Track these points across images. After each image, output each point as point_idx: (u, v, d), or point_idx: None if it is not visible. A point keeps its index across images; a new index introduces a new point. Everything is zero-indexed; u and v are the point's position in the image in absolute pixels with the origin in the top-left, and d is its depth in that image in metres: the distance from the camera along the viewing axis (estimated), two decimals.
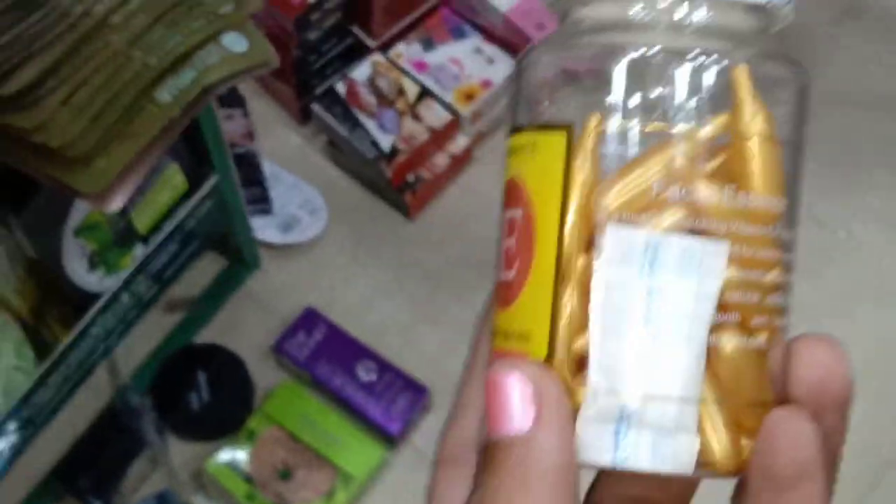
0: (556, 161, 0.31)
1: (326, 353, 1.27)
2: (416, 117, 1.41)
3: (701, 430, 0.30)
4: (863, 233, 1.46)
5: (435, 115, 1.41)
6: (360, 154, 1.39)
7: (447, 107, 1.41)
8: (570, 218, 0.30)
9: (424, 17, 1.47)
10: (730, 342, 0.30)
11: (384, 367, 1.27)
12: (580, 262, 0.30)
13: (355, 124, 1.40)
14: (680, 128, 0.30)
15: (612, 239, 0.30)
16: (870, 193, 1.49)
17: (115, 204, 0.79)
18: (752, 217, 0.30)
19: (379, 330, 1.34)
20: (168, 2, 0.83)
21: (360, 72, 1.42)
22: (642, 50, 0.30)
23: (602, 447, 0.29)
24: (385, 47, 1.45)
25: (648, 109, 0.30)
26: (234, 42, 0.86)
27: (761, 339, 0.30)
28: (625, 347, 0.30)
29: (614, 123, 0.30)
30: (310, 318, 1.31)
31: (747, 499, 0.30)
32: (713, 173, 0.30)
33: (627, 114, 0.30)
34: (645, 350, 0.29)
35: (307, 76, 1.43)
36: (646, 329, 0.29)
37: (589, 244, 0.30)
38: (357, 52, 1.45)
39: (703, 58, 0.30)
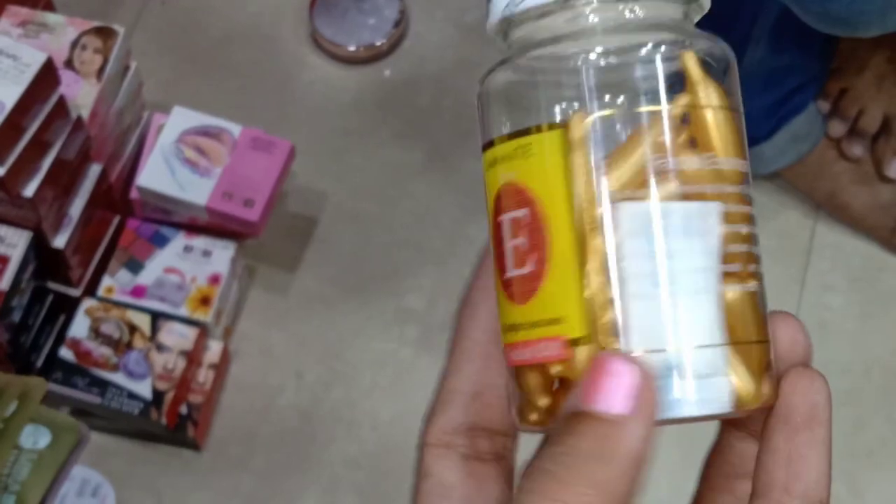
0: (555, 156, 0.34)
1: None
2: (161, 347, 1.27)
3: (732, 371, 0.33)
4: None
5: (179, 337, 1.27)
6: (124, 414, 1.24)
7: (188, 321, 1.28)
8: (579, 204, 0.33)
9: (115, 239, 1.32)
10: (733, 289, 0.34)
11: None
12: (596, 242, 0.33)
13: (103, 386, 1.24)
14: (651, 110, 0.34)
15: (624, 214, 0.33)
16: None
17: None
18: (727, 178, 0.34)
19: None
20: None
21: (79, 326, 1.27)
22: (596, 51, 0.34)
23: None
24: (91, 289, 1.30)
25: (615, 101, 0.34)
26: (35, 437, 0.72)
27: (753, 284, 0.35)
28: (654, 309, 0.33)
29: (592, 117, 0.33)
30: None
31: (763, 441, 0.34)
32: (690, 145, 0.34)
33: (602, 106, 0.34)
34: (672, 307, 0.33)
35: (23, 356, 1.26)
36: (669, 289, 0.33)
37: (597, 226, 0.33)
38: (63, 307, 1.29)
39: (653, 49, 0.34)
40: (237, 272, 1.35)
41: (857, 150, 1.40)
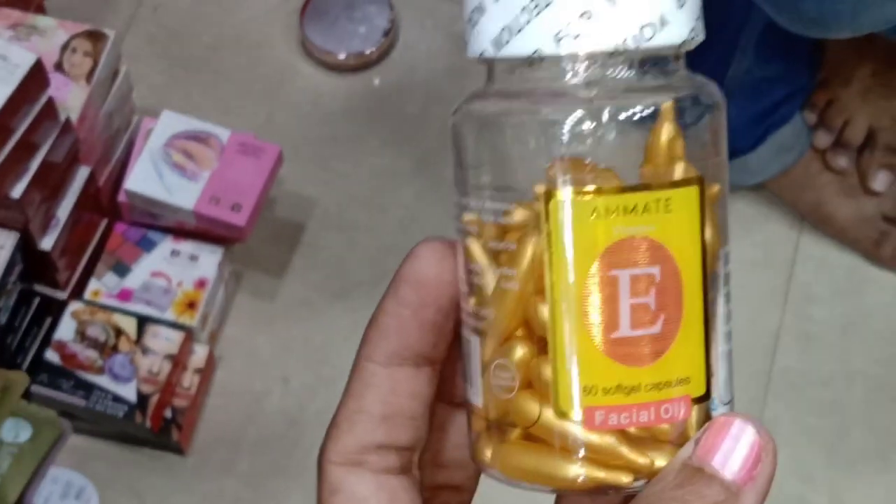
0: (694, 214, 0.33)
1: None
2: (147, 351, 1.27)
3: None
4: None
5: (165, 341, 1.28)
6: (109, 417, 1.24)
7: (173, 325, 1.28)
8: (712, 263, 0.34)
9: (103, 242, 1.32)
10: None
11: None
12: (720, 303, 0.35)
13: (88, 388, 1.24)
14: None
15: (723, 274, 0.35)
16: None
17: None
18: None
19: None
20: None
21: (65, 329, 1.27)
22: (577, 114, 0.33)
23: None
24: (78, 292, 1.30)
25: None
26: (16, 431, 0.72)
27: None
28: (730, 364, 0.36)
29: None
30: None
31: None
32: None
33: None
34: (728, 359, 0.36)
35: (8, 358, 1.26)
36: (729, 344, 0.36)
37: (720, 287, 0.35)
38: (50, 309, 1.30)
39: (632, 111, 0.33)
40: (224, 277, 1.35)
41: (842, 161, 1.41)
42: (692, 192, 0.33)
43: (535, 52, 0.33)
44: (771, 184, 1.44)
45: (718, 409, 0.34)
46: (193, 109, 1.34)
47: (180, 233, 1.33)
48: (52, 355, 1.26)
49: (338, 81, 1.53)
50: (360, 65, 1.53)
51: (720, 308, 0.35)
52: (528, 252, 0.33)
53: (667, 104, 0.33)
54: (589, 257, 0.33)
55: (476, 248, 0.35)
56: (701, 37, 0.35)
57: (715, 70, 1.31)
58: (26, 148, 1.13)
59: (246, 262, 1.40)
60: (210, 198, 1.28)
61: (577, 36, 0.33)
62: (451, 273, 0.35)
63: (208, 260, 1.32)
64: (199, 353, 1.32)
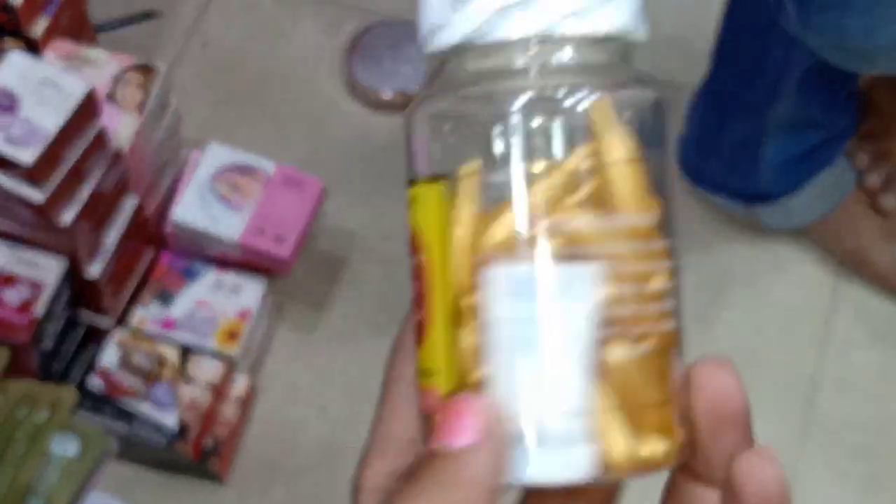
0: (438, 209, 0.33)
1: None
2: (190, 380, 1.29)
3: (602, 436, 0.33)
4: None
5: (207, 369, 1.29)
6: (150, 445, 1.26)
7: (216, 355, 1.30)
8: (455, 261, 0.33)
9: (149, 272, 1.34)
10: (616, 353, 0.33)
11: None
12: (471, 300, 0.33)
13: (130, 416, 1.26)
14: (547, 163, 0.33)
15: (494, 276, 0.33)
16: None
17: None
18: (624, 235, 0.33)
19: None
20: None
21: (109, 356, 1.29)
22: (514, 97, 0.33)
23: (515, 468, 0.32)
24: (123, 320, 1.32)
25: (525, 151, 0.33)
26: (64, 445, 0.74)
27: (647, 345, 0.33)
28: (520, 374, 0.33)
29: (490, 167, 0.33)
30: None
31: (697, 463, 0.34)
32: (585, 201, 0.33)
33: (503, 158, 0.33)
34: (539, 373, 0.32)
35: (54, 383, 1.28)
36: (537, 355, 0.32)
37: (474, 285, 0.33)
38: (95, 336, 1.32)
39: (569, 96, 0.33)
40: (266, 308, 1.37)
41: (893, 201, 1.41)
42: (436, 189, 0.34)
43: (464, 37, 0.34)
44: (810, 228, 1.44)
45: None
46: (239, 143, 1.36)
47: (224, 263, 1.35)
48: (95, 382, 1.27)
49: (382, 119, 1.55)
50: (405, 103, 1.55)
51: (501, 310, 0.33)
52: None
53: (601, 100, 0.33)
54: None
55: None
56: (640, 35, 0.35)
57: (756, 112, 1.32)
58: (77, 176, 1.16)
59: (288, 294, 1.42)
60: (255, 229, 1.30)
61: (515, 19, 0.33)
62: None
63: (251, 291, 1.34)
64: (240, 383, 1.33)
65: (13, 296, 1.18)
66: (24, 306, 1.18)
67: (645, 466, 0.33)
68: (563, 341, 0.32)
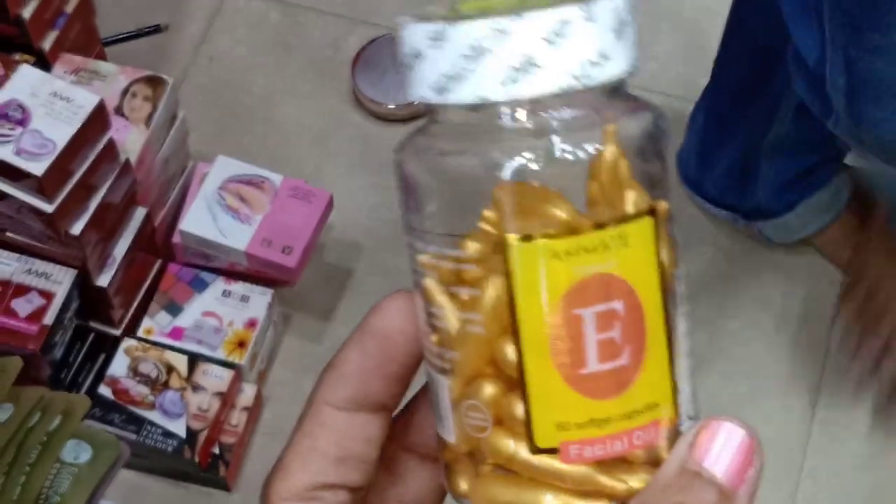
0: (650, 246, 0.33)
1: None
2: (197, 388, 1.30)
3: None
4: None
5: (214, 378, 1.31)
6: (158, 451, 1.27)
7: (223, 364, 1.31)
8: (670, 292, 0.34)
9: (156, 282, 1.36)
10: None
11: None
12: (682, 329, 0.35)
13: (139, 423, 1.27)
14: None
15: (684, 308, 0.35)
16: None
17: None
18: None
19: None
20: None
21: (118, 365, 1.30)
22: (520, 158, 0.32)
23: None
24: (131, 329, 1.33)
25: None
26: (77, 452, 0.75)
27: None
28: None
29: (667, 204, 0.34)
30: None
31: None
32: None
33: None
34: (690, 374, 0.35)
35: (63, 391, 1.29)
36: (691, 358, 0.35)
37: (680, 314, 0.35)
38: (104, 345, 1.33)
39: (577, 150, 0.32)
40: (273, 318, 1.39)
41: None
42: (646, 223, 0.33)
43: (480, 99, 0.33)
44: (813, 240, 1.46)
45: (685, 425, 0.35)
46: (245, 156, 1.38)
47: (232, 274, 1.36)
48: (104, 390, 1.29)
49: (387, 131, 1.57)
50: (410, 115, 1.57)
51: (681, 327, 0.35)
52: (491, 296, 0.33)
53: (609, 127, 0.33)
54: (553, 299, 0.33)
55: (435, 291, 0.34)
56: (639, 64, 0.35)
57: (755, 133, 1.34)
58: (87, 187, 1.17)
59: (295, 304, 1.44)
60: (262, 240, 1.32)
61: (520, 81, 0.32)
62: (416, 327, 0.35)
63: (259, 301, 1.36)
64: (248, 392, 1.35)
65: (24, 306, 1.20)
66: (35, 316, 1.20)
67: None
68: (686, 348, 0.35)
